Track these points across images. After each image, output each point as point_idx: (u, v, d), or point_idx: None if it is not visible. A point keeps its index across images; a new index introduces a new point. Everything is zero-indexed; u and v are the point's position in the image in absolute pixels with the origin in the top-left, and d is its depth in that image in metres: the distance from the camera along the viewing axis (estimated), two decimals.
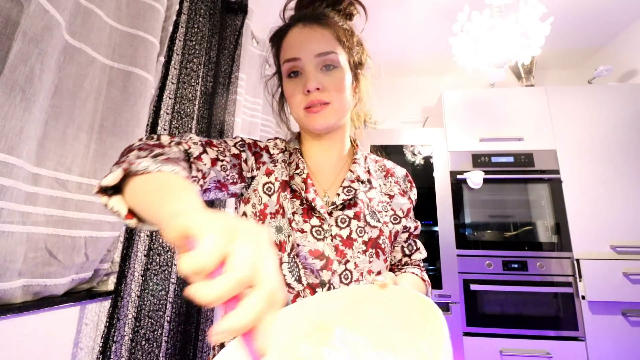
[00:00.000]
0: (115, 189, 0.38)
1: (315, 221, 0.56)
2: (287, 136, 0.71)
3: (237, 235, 0.23)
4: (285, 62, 0.58)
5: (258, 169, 0.61)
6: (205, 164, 0.51)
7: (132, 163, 0.36)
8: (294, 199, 0.57)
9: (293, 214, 0.56)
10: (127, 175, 0.37)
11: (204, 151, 0.52)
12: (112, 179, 0.36)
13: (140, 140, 0.46)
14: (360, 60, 0.64)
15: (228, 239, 0.22)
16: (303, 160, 0.62)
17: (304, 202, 0.57)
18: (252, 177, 0.61)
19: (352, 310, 0.45)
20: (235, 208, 0.65)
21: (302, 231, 0.55)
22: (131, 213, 0.37)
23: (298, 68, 0.57)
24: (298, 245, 0.54)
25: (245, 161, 0.59)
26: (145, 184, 0.35)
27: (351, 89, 0.61)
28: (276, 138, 0.69)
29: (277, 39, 0.63)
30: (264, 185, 0.59)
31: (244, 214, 0.60)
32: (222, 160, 0.54)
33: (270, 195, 0.58)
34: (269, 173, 0.60)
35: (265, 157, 0.62)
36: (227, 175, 0.56)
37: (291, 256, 0.54)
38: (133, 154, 0.39)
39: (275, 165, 0.61)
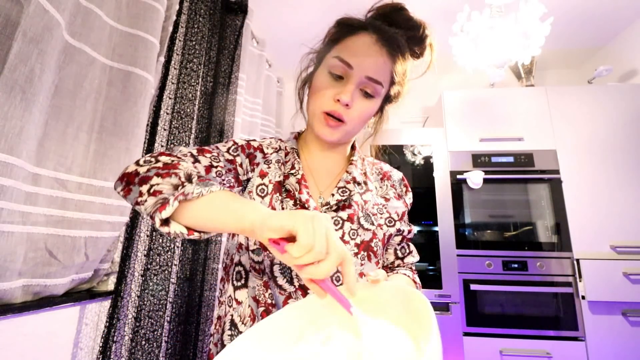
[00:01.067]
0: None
1: None
2: (296, 113, 0.70)
3: (315, 226, 0.34)
4: (336, 58, 0.56)
5: (252, 170, 0.61)
6: (199, 172, 0.53)
7: (184, 193, 0.41)
8: (288, 199, 0.57)
9: None
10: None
11: (196, 160, 0.53)
12: (170, 211, 0.41)
13: (144, 163, 0.47)
14: (394, 96, 0.64)
15: (312, 231, 0.34)
16: (299, 160, 0.62)
17: (297, 202, 0.57)
18: (248, 180, 0.61)
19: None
20: None
21: None
22: (191, 230, 0.43)
23: (343, 73, 0.56)
24: None
25: (241, 165, 0.60)
26: (209, 204, 0.42)
27: (371, 116, 0.61)
28: (271, 138, 0.69)
29: (346, 29, 0.59)
30: (258, 187, 0.59)
31: None
32: (216, 167, 0.55)
33: (263, 197, 0.58)
34: (262, 175, 0.60)
35: (259, 158, 0.62)
36: (224, 180, 0.57)
37: None
38: (165, 184, 0.43)
39: (269, 167, 0.61)
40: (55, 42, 0.72)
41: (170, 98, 1.11)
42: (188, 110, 1.15)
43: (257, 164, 0.61)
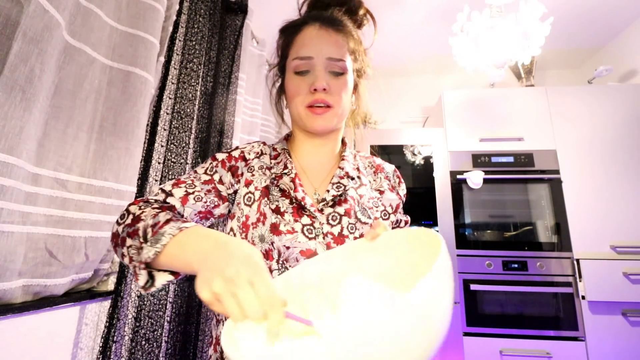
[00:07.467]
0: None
1: (305, 220, 0.56)
2: (280, 126, 0.73)
3: (235, 281, 0.32)
4: (296, 59, 0.60)
5: (238, 182, 0.61)
6: (174, 206, 0.54)
7: (141, 261, 0.42)
8: (283, 198, 0.58)
9: (283, 213, 0.56)
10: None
11: (169, 195, 0.54)
12: (143, 280, 0.43)
13: (121, 221, 0.48)
14: (362, 68, 0.67)
15: (230, 291, 0.32)
16: (291, 160, 0.63)
17: (294, 201, 0.57)
18: (235, 192, 0.61)
19: (350, 263, 0.48)
20: (224, 225, 0.64)
21: (292, 231, 0.54)
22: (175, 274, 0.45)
23: (308, 67, 0.59)
24: (288, 248, 0.53)
25: (221, 181, 0.60)
26: (167, 257, 0.42)
27: (351, 94, 0.64)
28: (254, 142, 0.69)
29: (291, 32, 0.64)
30: (245, 196, 0.59)
31: (231, 229, 0.59)
32: (192, 193, 0.56)
33: (250, 206, 0.58)
34: (248, 183, 0.60)
35: (242, 168, 0.62)
36: (206, 203, 0.57)
37: (280, 262, 0.53)
38: (133, 248, 0.44)
39: (252, 175, 0.61)
40: (55, 42, 0.72)
41: (170, 98, 1.11)
42: (188, 110, 1.15)
43: (242, 174, 0.61)
